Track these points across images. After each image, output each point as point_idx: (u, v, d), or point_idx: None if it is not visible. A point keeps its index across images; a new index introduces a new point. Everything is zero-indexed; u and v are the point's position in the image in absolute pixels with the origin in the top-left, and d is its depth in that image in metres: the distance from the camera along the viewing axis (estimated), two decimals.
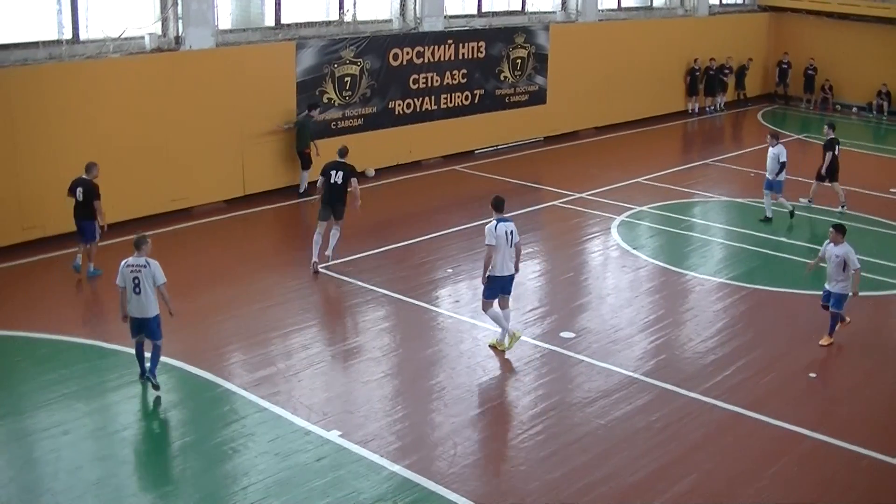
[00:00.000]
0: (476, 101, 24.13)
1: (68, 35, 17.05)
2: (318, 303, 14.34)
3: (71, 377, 11.61)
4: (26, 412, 10.78)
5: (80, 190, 14.72)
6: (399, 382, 12.12)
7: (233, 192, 19.32)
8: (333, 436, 10.45)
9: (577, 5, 26.90)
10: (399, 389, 11.92)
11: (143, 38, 17.90)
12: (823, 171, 20.10)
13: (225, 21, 19.53)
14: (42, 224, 16.40)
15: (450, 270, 15.97)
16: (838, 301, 13.25)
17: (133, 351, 11.53)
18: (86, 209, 14.76)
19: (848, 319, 13.59)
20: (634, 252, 17.14)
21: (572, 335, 13.34)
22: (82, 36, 17.24)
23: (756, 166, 23.21)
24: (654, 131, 28.37)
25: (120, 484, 9.49)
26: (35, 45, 16.56)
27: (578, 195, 20.70)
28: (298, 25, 20.70)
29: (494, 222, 12.44)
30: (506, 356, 12.60)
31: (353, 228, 17.90)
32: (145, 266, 11.12)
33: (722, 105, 32.01)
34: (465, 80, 23.69)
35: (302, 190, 20.01)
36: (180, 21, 18.24)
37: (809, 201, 20.42)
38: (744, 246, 17.72)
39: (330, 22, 21.54)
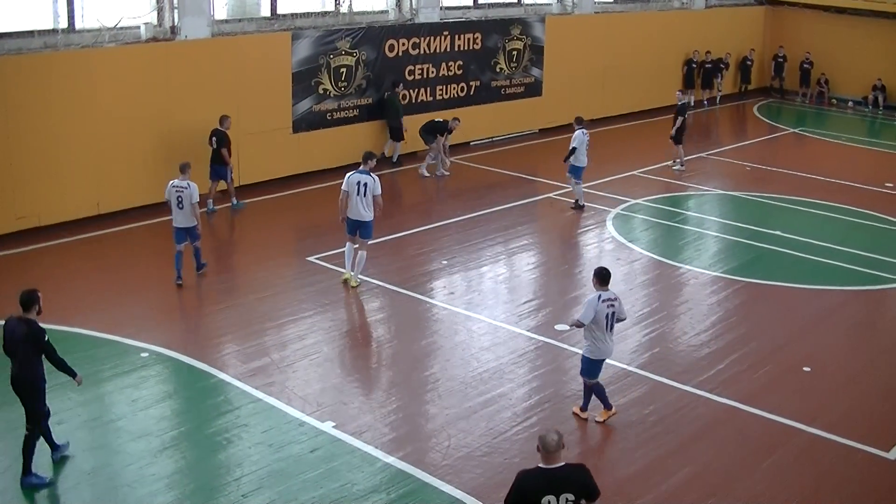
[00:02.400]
0: (472, 93, 24.10)
1: (64, 24, 16.99)
2: (313, 294, 14.32)
3: None
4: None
5: (214, 139, 17.52)
6: (393, 374, 12.12)
7: None
8: (327, 427, 10.44)
9: None
10: (393, 381, 11.92)
11: (138, 27, 17.83)
12: (673, 132, 22.17)
13: (221, 11, 19.46)
14: (36, 213, 16.36)
15: (444, 262, 15.96)
16: (584, 365, 10.74)
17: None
18: (220, 155, 17.55)
19: (610, 412, 10.80)
20: (629, 245, 17.13)
21: (566, 328, 13.33)
22: (78, 25, 17.17)
23: (751, 160, 23.24)
24: (649, 124, 28.30)
25: (114, 473, 9.49)
26: (30, 33, 16.49)
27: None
28: (294, 16, 20.62)
29: (352, 172, 14.20)
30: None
31: None
32: (187, 188, 13.92)
33: (717, 98, 31.96)
34: (460, 71, 23.65)
35: (395, 160, 22.07)
36: (176, 11, 18.16)
37: (681, 164, 22.49)
38: (738, 239, 17.71)
39: (326, 13, 21.48)
